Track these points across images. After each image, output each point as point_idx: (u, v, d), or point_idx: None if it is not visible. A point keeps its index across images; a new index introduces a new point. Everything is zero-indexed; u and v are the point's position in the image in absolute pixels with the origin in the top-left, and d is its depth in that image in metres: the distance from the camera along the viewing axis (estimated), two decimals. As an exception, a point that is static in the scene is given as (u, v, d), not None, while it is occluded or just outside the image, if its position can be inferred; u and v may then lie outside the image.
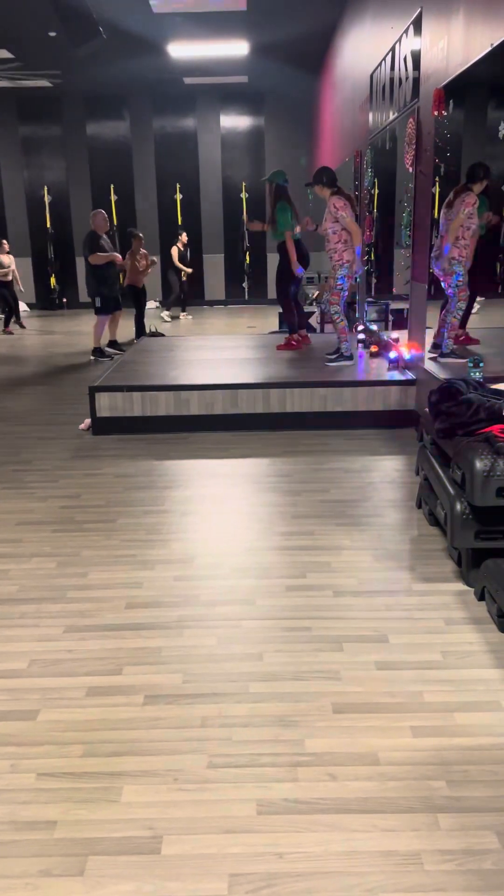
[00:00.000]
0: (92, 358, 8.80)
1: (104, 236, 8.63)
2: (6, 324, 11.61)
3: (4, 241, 11.82)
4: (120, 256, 8.85)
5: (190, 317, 12.74)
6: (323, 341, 7.50)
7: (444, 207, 5.04)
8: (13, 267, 11.65)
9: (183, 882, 1.75)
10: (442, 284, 5.14)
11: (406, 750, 2.16)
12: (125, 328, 9.90)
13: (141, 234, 10.10)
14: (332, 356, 6.38)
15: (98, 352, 8.81)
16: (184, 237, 12.34)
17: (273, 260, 14.74)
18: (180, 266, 12.01)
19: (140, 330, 9.99)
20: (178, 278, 12.31)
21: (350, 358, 6.33)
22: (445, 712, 2.32)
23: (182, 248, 12.24)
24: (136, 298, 9.90)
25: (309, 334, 7.80)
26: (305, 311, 8.67)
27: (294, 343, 7.26)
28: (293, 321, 7.38)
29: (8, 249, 11.79)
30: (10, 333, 11.39)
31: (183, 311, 12.79)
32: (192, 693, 2.45)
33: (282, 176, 7.03)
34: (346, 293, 6.44)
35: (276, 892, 1.72)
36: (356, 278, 6.72)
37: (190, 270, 12.25)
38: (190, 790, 2.03)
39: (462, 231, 4.87)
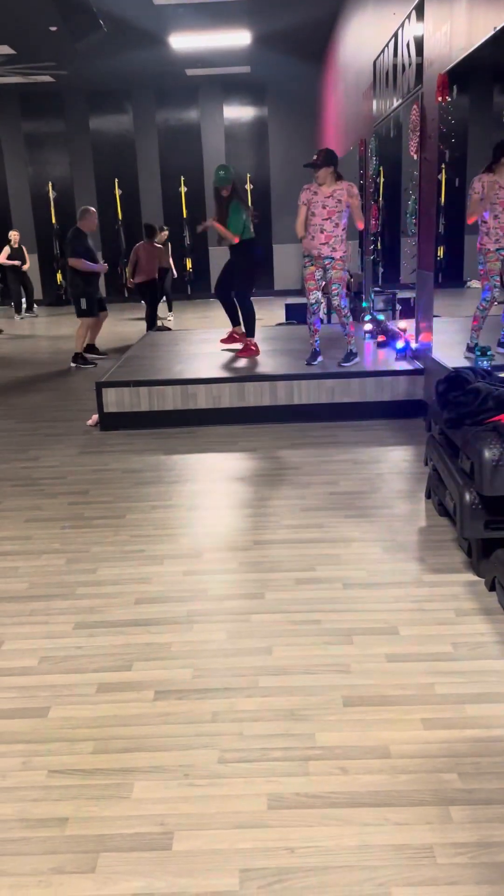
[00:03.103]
0: (73, 365, 8.05)
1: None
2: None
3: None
4: (105, 266, 8.27)
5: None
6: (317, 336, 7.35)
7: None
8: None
9: (194, 878, 1.75)
10: None
11: (417, 742, 2.15)
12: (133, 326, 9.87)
13: (163, 228, 9.76)
14: (348, 361, 5.90)
15: (80, 358, 8.09)
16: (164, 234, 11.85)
17: (279, 252, 14.69)
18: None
19: (151, 324, 9.89)
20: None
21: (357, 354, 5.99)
22: (457, 704, 2.31)
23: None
24: (150, 292, 9.64)
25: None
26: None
27: (237, 338, 6.91)
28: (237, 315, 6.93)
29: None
30: None
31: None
32: (202, 688, 2.45)
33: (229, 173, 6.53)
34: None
35: (287, 886, 1.71)
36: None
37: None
38: (201, 786, 2.03)
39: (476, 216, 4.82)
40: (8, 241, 12.35)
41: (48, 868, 1.79)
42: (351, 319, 5.98)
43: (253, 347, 6.55)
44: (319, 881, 1.72)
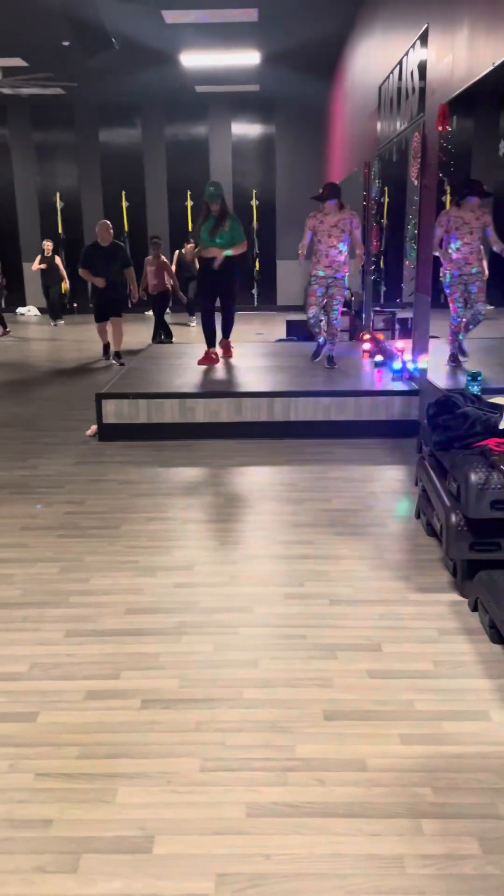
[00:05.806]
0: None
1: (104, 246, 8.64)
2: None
3: None
4: (102, 281, 8.56)
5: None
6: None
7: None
8: None
9: (172, 881, 1.81)
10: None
11: (394, 757, 2.22)
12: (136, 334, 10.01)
13: (158, 240, 10.19)
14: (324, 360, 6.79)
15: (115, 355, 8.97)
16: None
17: (283, 267, 14.78)
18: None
19: (156, 335, 10.19)
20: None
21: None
22: (434, 721, 2.37)
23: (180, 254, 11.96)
24: (159, 303, 10.10)
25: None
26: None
27: (215, 357, 7.02)
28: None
29: None
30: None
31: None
32: (188, 698, 2.51)
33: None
34: None
35: (261, 891, 1.78)
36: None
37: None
38: (182, 792, 2.09)
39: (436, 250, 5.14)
40: (41, 251, 12.95)
41: (31, 867, 1.86)
42: (338, 336, 6.99)
43: (213, 356, 7.00)
44: (292, 887, 1.79)
